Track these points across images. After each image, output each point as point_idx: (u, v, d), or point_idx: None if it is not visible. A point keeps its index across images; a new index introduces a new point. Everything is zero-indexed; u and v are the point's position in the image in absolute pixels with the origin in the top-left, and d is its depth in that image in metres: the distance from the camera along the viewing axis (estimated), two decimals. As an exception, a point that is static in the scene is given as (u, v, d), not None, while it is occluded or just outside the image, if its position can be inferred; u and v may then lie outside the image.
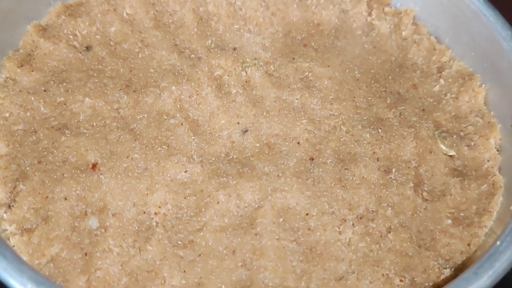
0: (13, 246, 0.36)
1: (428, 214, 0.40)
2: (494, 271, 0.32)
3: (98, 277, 0.35)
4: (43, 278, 0.30)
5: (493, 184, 0.42)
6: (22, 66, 0.46)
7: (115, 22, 0.51)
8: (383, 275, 0.37)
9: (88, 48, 0.49)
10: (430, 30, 0.54)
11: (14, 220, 0.37)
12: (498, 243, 0.33)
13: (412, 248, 0.38)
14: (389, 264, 0.37)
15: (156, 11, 0.53)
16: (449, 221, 0.40)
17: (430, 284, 0.37)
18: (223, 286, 0.36)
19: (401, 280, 0.36)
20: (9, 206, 0.38)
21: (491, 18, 0.47)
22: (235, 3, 0.54)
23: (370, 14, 0.55)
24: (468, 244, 0.39)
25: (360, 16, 0.54)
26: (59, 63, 0.47)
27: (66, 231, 0.37)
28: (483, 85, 0.48)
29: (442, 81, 0.50)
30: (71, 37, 0.50)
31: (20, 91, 0.45)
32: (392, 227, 0.39)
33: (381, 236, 0.39)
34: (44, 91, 0.45)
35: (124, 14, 0.52)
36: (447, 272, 0.37)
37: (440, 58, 0.52)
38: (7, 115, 0.43)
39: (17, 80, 0.46)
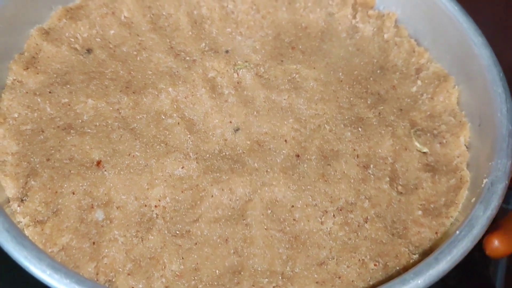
0: (28, 236, 0.40)
1: (402, 206, 0.45)
2: (452, 256, 0.36)
3: (105, 263, 0.39)
4: (60, 265, 0.34)
5: (461, 178, 0.46)
6: (27, 68, 0.49)
7: (114, 25, 0.54)
8: (359, 260, 0.41)
9: (89, 50, 0.52)
10: (410, 33, 0.57)
11: (27, 213, 0.41)
12: (457, 232, 0.38)
13: (386, 236, 0.43)
14: (365, 250, 0.42)
15: (152, 14, 0.55)
16: (420, 212, 0.44)
17: (401, 268, 0.41)
18: (217, 271, 0.40)
19: (375, 265, 0.41)
20: (22, 200, 0.42)
21: (465, 25, 0.51)
22: (227, 6, 0.57)
23: (354, 17, 0.58)
24: (436, 233, 0.43)
25: (345, 19, 0.58)
26: (62, 65, 0.51)
27: (75, 223, 0.41)
28: (456, 87, 0.52)
29: (419, 82, 0.54)
30: (73, 40, 0.52)
31: (27, 92, 0.48)
32: (368, 217, 0.44)
33: (358, 226, 0.43)
34: (49, 92, 0.48)
35: (122, 17, 0.55)
36: (415, 258, 0.42)
37: (419, 60, 0.55)
38: (16, 116, 0.46)
39: (24, 82, 0.49)
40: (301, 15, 0.57)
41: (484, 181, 0.41)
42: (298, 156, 0.47)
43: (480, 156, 0.46)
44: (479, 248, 0.40)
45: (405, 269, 0.40)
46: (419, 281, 0.35)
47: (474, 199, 0.41)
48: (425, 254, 0.42)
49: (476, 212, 0.39)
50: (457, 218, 0.43)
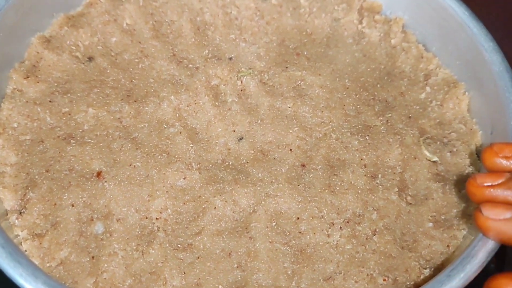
0: (25, 250, 0.39)
1: (411, 217, 0.43)
2: (466, 273, 0.34)
3: (105, 278, 0.38)
4: (56, 283, 0.33)
5: (473, 188, 0.44)
6: (28, 77, 0.48)
7: (116, 33, 0.53)
8: (367, 275, 0.40)
9: (90, 58, 0.52)
10: (418, 39, 0.56)
11: (25, 226, 0.40)
12: (470, 246, 0.36)
13: (396, 250, 0.41)
14: (373, 264, 0.40)
15: (155, 21, 0.55)
16: (431, 224, 0.43)
17: (411, 283, 0.39)
18: (220, 286, 0.39)
19: (384, 280, 0.39)
20: (20, 213, 0.41)
21: (475, 30, 0.49)
22: (231, 12, 0.56)
23: (361, 22, 0.57)
24: (448, 246, 0.41)
25: (351, 24, 0.57)
26: (63, 74, 0.50)
27: (74, 236, 0.40)
28: (467, 93, 0.50)
29: (428, 88, 0.52)
30: (74, 48, 0.52)
31: (27, 102, 0.47)
32: (377, 230, 0.42)
33: (366, 239, 0.41)
34: (50, 101, 0.47)
35: (124, 25, 0.54)
36: (426, 272, 0.40)
37: (427, 66, 0.54)
38: (16, 126, 0.46)
39: (24, 91, 0.48)
40: (306, 21, 0.56)
41: (498, 192, 0.39)
42: (303, 165, 0.46)
43: (492, 166, 0.44)
44: (493, 260, 0.38)
45: (416, 285, 0.39)
46: (430, 300, 0.34)
47: (487, 211, 0.40)
48: (437, 268, 0.40)
49: (490, 226, 0.37)
50: (470, 231, 0.41)
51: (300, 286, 0.39)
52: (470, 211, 0.43)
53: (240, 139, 0.47)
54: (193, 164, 0.45)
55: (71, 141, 0.45)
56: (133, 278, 0.39)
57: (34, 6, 0.50)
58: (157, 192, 0.42)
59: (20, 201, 0.41)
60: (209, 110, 0.48)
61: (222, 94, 0.50)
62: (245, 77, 0.51)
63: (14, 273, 0.33)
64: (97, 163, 0.43)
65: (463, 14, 0.50)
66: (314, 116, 0.49)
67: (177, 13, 0.55)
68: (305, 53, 0.54)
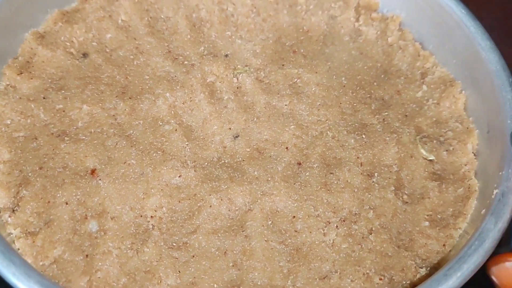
0: (18, 249, 0.38)
1: (408, 216, 0.43)
2: (462, 272, 0.34)
3: (99, 277, 0.38)
4: (50, 282, 0.32)
5: (469, 187, 0.44)
6: (21, 73, 0.48)
7: (111, 29, 0.52)
8: (363, 274, 0.39)
9: (84, 55, 0.51)
10: (415, 37, 0.56)
11: (18, 224, 0.40)
12: (467, 246, 0.36)
13: (392, 249, 0.41)
14: (369, 263, 0.40)
15: (150, 17, 0.54)
16: (427, 223, 0.43)
17: (407, 282, 0.39)
18: (215, 286, 0.38)
19: (380, 279, 0.39)
20: (13, 211, 0.40)
21: (472, 29, 0.49)
22: (227, 9, 0.55)
23: (357, 20, 0.56)
24: (444, 245, 0.41)
25: (348, 22, 0.56)
26: (57, 70, 0.49)
27: (67, 234, 0.39)
28: (463, 92, 0.50)
29: (424, 87, 0.52)
30: (68, 44, 0.51)
31: (20, 98, 0.46)
32: (373, 228, 0.42)
33: (362, 238, 0.41)
34: (44, 98, 0.47)
35: (119, 21, 0.53)
36: (423, 271, 0.40)
37: (424, 64, 0.54)
38: (9, 122, 0.45)
39: (17, 87, 0.47)
40: (302, 18, 0.56)
41: (495, 191, 0.40)
42: (299, 164, 0.45)
43: (489, 165, 0.44)
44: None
45: (412, 284, 0.39)
46: (427, 299, 0.34)
47: (484, 210, 0.40)
48: (433, 268, 0.40)
49: (487, 225, 0.37)
50: (466, 229, 0.41)
51: (296, 285, 0.39)
52: (466, 210, 0.43)
53: (236, 137, 0.47)
54: (189, 162, 0.44)
55: (65, 138, 0.44)
56: (128, 276, 0.38)
57: (28, 1, 0.49)
58: (152, 190, 0.42)
59: (13, 199, 0.41)
60: (204, 108, 0.48)
61: (218, 92, 0.50)
62: (241, 74, 0.50)
63: (7, 272, 0.32)
64: (91, 161, 0.43)
65: (460, 13, 0.50)
66: (310, 114, 0.48)
67: (173, 9, 0.55)
68: (302, 50, 0.54)
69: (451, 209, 0.44)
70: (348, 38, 0.55)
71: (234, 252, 0.40)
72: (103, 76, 0.49)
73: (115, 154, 0.44)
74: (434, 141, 0.48)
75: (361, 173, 0.45)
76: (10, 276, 0.32)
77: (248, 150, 0.46)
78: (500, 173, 0.40)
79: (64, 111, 0.46)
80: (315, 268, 0.39)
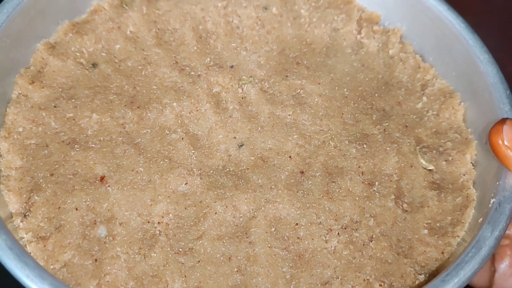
0: (30, 253, 0.40)
1: (407, 224, 0.44)
2: (459, 279, 0.36)
3: (107, 281, 0.39)
4: (62, 284, 0.34)
5: (467, 197, 0.46)
6: (33, 82, 0.49)
7: (119, 40, 0.54)
8: (364, 280, 0.40)
9: (94, 65, 0.53)
10: (416, 49, 0.57)
11: (29, 228, 0.41)
12: (464, 253, 0.37)
13: (392, 256, 0.42)
14: (370, 270, 0.41)
15: (158, 29, 0.56)
16: (426, 231, 0.44)
17: (406, 288, 0.40)
18: (220, 290, 0.40)
19: (380, 285, 0.40)
20: (25, 216, 0.42)
21: (471, 42, 0.51)
22: (232, 21, 0.57)
23: (359, 33, 0.58)
24: (442, 252, 0.42)
25: (350, 34, 0.58)
26: (67, 79, 0.51)
27: (77, 239, 0.41)
28: (462, 103, 0.52)
29: (425, 98, 0.53)
30: (78, 54, 0.53)
31: (32, 106, 0.48)
32: (374, 236, 0.43)
33: (363, 245, 0.42)
34: (54, 107, 0.48)
35: (128, 32, 0.55)
36: (421, 278, 0.41)
37: (424, 76, 0.55)
38: (21, 130, 0.46)
39: (29, 96, 0.49)
40: (306, 31, 0.57)
41: (492, 201, 0.41)
42: (302, 172, 0.47)
43: (487, 175, 0.45)
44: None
45: (411, 290, 0.40)
46: (425, 304, 0.35)
47: (481, 219, 0.41)
48: (432, 274, 0.41)
49: (484, 233, 0.38)
50: (464, 237, 0.43)
51: (298, 290, 0.40)
52: (464, 219, 0.44)
53: (241, 145, 0.48)
54: (195, 169, 0.46)
55: (75, 146, 0.46)
56: (135, 281, 0.39)
57: (40, 13, 0.51)
58: (159, 197, 0.43)
59: (25, 204, 0.42)
60: (210, 117, 0.49)
61: (223, 102, 0.51)
62: (246, 85, 0.52)
63: (22, 274, 0.34)
64: (100, 168, 0.44)
65: (459, 26, 0.52)
66: (313, 124, 0.50)
67: (180, 21, 0.56)
68: (305, 62, 0.55)
69: (450, 218, 0.45)
70: (350, 50, 0.57)
71: (238, 257, 0.41)
72: (112, 85, 0.51)
73: (123, 162, 0.45)
74: (434, 151, 0.49)
75: (362, 182, 0.46)
76: (24, 278, 0.33)
77: (252, 158, 0.47)
78: (497, 183, 0.42)
79: (74, 120, 0.48)
80: (317, 274, 0.41)
